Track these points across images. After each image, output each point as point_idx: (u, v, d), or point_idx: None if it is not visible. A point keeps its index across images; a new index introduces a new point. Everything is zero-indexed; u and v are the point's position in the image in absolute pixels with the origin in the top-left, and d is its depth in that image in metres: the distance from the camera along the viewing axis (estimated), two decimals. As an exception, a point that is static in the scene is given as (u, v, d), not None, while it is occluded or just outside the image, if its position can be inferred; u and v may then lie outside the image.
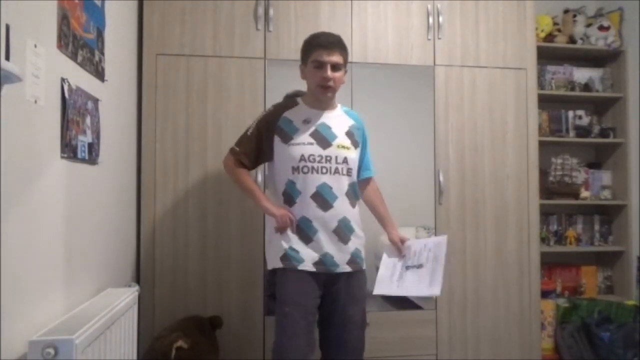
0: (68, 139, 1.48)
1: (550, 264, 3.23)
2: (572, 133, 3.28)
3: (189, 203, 2.44)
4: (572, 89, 3.26)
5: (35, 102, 1.29)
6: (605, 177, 3.34)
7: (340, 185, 1.92)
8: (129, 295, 1.73)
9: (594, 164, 3.39)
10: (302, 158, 1.89)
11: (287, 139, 1.92)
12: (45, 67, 1.34)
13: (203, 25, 2.50)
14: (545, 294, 2.92)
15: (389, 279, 2.02)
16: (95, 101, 1.74)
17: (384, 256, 2.10)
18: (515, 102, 2.80)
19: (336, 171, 1.91)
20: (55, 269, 1.44)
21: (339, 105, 2.06)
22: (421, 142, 2.71)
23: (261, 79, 2.53)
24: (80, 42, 1.61)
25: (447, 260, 1.99)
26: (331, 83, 1.90)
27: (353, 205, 1.97)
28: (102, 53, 1.84)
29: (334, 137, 1.94)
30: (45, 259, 1.37)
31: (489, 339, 2.69)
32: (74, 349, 1.17)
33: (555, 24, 3.29)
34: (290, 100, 2.02)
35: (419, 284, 1.95)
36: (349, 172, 1.95)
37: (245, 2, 2.54)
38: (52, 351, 1.15)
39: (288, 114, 1.96)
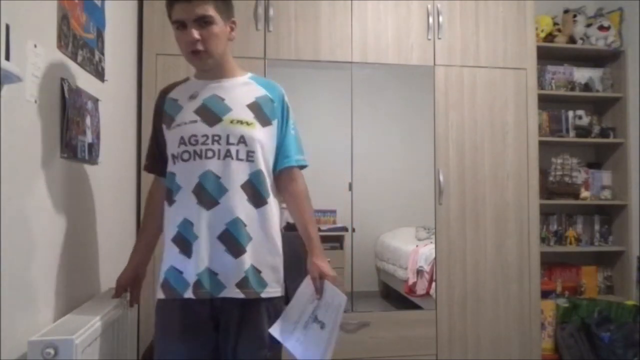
0: (68, 139, 1.48)
1: (550, 264, 3.23)
2: (572, 133, 3.29)
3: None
4: (572, 89, 3.26)
5: (36, 102, 1.29)
6: (605, 177, 3.34)
7: (233, 173, 1.41)
8: (129, 295, 1.72)
9: (594, 164, 3.39)
10: (182, 141, 1.43)
11: (170, 122, 1.49)
12: (45, 67, 1.33)
13: (203, 25, 2.49)
14: (545, 294, 2.92)
15: (293, 322, 1.48)
16: (95, 101, 1.74)
17: (301, 287, 1.53)
18: (515, 102, 2.80)
19: (227, 154, 1.41)
20: (55, 268, 1.44)
21: (247, 74, 1.58)
22: (421, 142, 2.71)
23: (261, 79, 2.52)
24: (80, 42, 1.61)
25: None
26: (200, 46, 1.43)
27: (256, 204, 1.44)
28: (102, 53, 1.84)
29: (227, 110, 1.45)
30: (45, 258, 1.37)
31: (489, 339, 2.69)
32: (74, 349, 1.17)
33: (555, 24, 3.29)
34: (180, 80, 1.61)
35: (309, 349, 1.46)
36: (249, 157, 1.43)
37: (245, 2, 2.54)
38: (52, 351, 1.14)
39: (173, 94, 1.55)
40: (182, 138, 1.44)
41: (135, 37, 2.41)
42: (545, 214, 3.22)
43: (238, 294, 1.39)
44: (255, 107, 1.48)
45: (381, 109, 2.70)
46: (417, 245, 2.75)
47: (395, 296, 2.75)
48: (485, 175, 2.74)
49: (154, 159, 1.58)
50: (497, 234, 2.74)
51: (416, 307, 2.69)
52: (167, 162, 1.50)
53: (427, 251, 2.70)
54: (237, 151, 1.42)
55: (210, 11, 1.42)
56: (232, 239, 1.40)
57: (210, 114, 1.45)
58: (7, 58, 1.12)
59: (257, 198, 1.44)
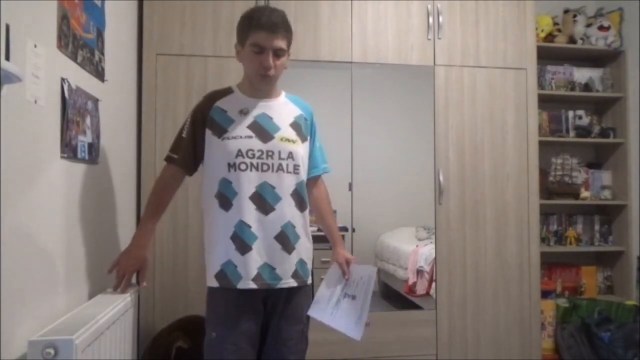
0: (68, 139, 1.48)
1: (550, 264, 3.23)
2: (572, 133, 3.29)
3: (188, 202, 2.44)
4: (572, 89, 3.26)
5: (35, 102, 1.29)
6: (605, 177, 3.35)
7: (284, 184, 1.68)
8: (128, 295, 1.73)
9: (594, 164, 3.39)
10: (239, 153, 1.65)
11: (220, 132, 1.68)
12: (45, 67, 1.33)
13: (203, 25, 2.50)
14: (545, 294, 2.92)
15: (326, 302, 1.80)
16: (95, 101, 1.74)
17: (329, 273, 1.86)
18: (515, 102, 2.80)
19: (280, 168, 1.68)
20: (55, 268, 1.44)
21: (282, 93, 1.82)
22: (421, 142, 2.71)
23: (261, 79, 2.52)
24: (80, 42, 1.61)
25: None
26: (272, 72, 1.66)
27: (301, 209, 1.73)
28: (102, 53, 1.84)
29: (276, 128, 1.71)
30: (45, 258, 1.37)
31: (489, 339, 2.69)
32: (74, 349, 1.17)
33: (555, 24, 3.29)
34: (223, 89, 1.78)
35: (348, 319, 1.78)
36: (296, 169, 1.71)
37: (245, 2, 2.53)
38: (52, 351, 1.15)
39: (221, 104, 1.72)
40: (239, 150, 1.65)
41: (135, 37, 2.41)
42: (545, 214, 3.22)
43: (292, 283, 1.69)
44: (296, 126, 1.75)
45: (381, 109, 2.70)
46: (417, 245, 2.75)
47: (395, 296, 2.75)
48: (485, 175, 2.74)
49: (189, 157, 1.73)
50: (497, 234, 2.74)
51: (416, 307, 2.69)
52: (196, 165, 1.75)
53: (427, 251, 2.70)
54: (287, 165, 1.69)
55: (285, 45, 1.67)
56: (285, 239, 1.67)
57: (263, 131, 1.69)
58: (7, 58, 1.12)
59: (301, 204, 1.73)
